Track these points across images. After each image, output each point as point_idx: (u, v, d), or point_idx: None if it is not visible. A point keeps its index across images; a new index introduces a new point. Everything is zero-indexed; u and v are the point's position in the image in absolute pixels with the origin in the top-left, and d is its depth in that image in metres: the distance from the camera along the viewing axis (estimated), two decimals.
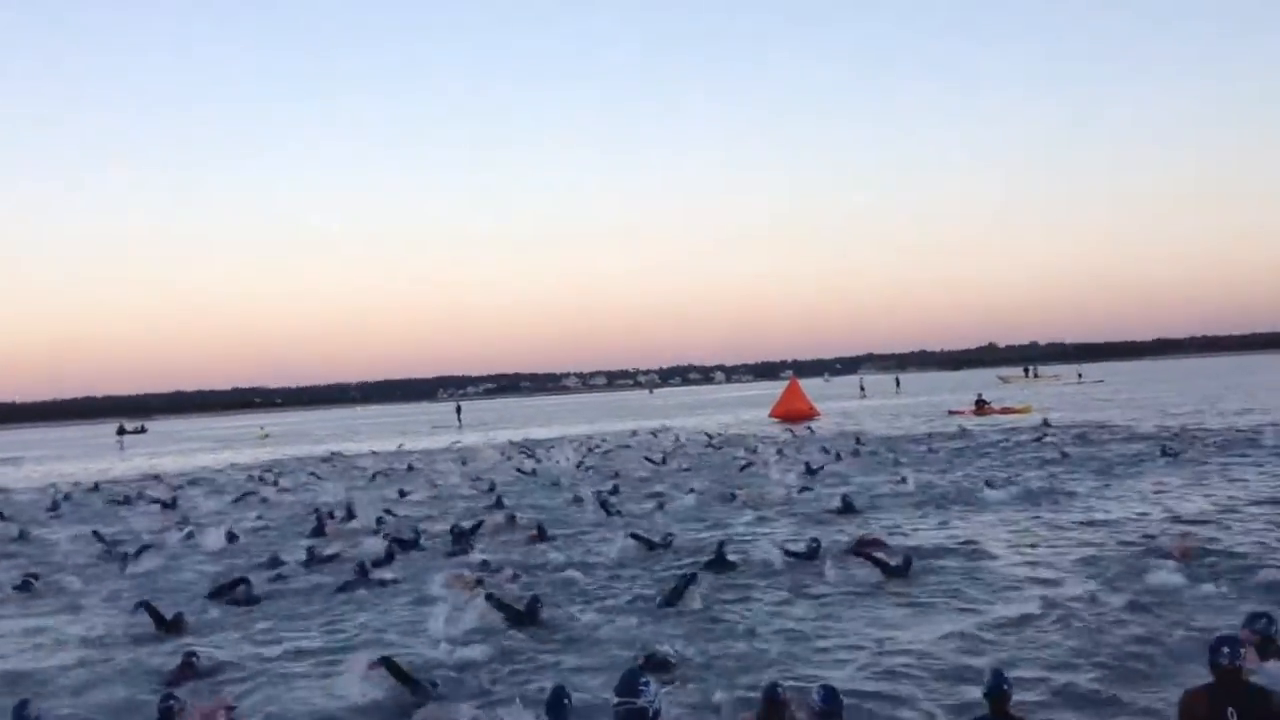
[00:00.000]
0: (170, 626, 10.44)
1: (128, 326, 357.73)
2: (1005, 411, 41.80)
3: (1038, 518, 14.94)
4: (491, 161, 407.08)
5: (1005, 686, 5.93)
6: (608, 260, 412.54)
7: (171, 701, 7.25)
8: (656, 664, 7.94)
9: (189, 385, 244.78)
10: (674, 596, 10.49)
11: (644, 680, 4.41)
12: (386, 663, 8.05)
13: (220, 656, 9.39)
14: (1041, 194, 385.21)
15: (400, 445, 43.20)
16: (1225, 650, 5.19)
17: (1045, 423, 32.04)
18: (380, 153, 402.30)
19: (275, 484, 27.27)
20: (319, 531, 17.12)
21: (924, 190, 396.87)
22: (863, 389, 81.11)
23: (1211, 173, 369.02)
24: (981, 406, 43.58)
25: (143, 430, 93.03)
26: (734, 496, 18.96)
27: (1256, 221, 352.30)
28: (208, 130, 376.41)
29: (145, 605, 10.86)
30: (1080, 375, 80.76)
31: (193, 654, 9.14)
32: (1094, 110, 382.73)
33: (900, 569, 11.36)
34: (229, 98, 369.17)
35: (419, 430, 61.47)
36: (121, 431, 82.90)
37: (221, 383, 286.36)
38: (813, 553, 12.44)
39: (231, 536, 17.02)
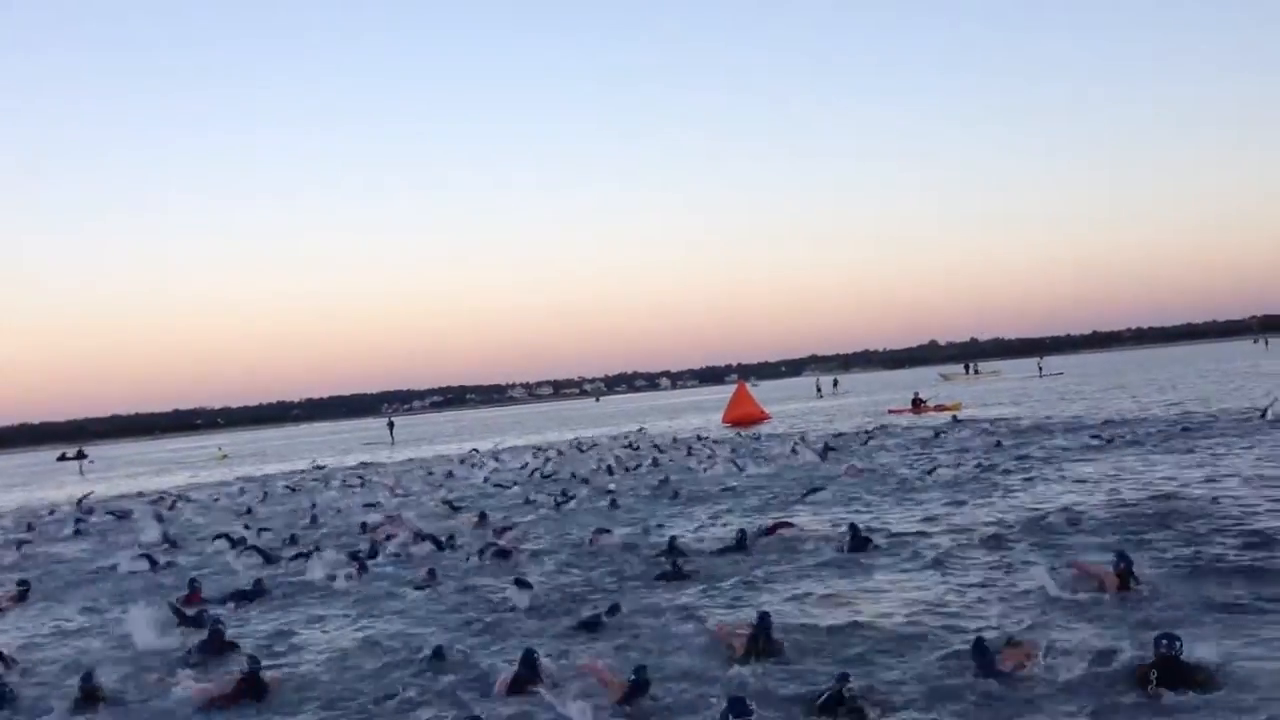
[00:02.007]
0: None
1: (57, 350, 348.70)
2: (940, 409, 43.46)
3: (965, 504, 16.25)
4: (436, 176, 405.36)
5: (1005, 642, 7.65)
6: (550, 270, 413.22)
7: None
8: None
9: (125, 408, 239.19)
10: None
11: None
12: None
13: None
14: (977, 191, 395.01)
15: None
16: (1164, 642, 6.86)
17: (955, 419, 34.50)
18: (323, 168, 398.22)
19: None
20: None
21: (862, 192, 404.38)
22: (819, 390, 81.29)
23: (1148, 169, 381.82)
24: (919, 405, 45.22)
25: (82, 455, 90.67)
26: (676, 495, 20.20)
27: (1190, 216, 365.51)
28: (143, 146, 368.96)
29: None
30: (1041, 368, 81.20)
31: (219, 621, 9.90)
32: (1027, 108, 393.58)
33: (856, 543, 12.68)
34: (152, 117, 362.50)
35: (349, 448, 61.08)
36: (79, 456, 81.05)
37: (159, 404, 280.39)
38: (740, 542, 13.52)
39: None
